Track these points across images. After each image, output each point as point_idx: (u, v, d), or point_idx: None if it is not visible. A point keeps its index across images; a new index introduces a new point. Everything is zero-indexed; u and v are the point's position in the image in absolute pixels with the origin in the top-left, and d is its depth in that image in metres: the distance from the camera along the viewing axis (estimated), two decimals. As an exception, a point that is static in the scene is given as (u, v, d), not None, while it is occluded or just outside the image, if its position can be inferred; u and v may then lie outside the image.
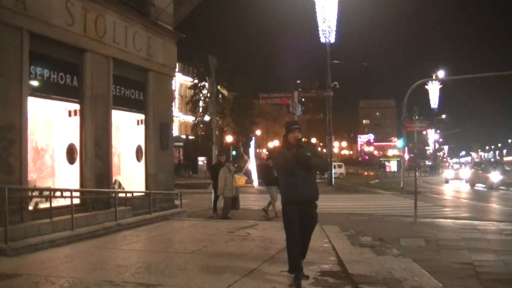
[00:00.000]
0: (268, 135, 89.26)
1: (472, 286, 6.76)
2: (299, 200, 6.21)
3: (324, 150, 35.70)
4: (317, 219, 6.47)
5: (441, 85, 72.84)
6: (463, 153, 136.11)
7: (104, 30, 11.35)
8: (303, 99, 49.20)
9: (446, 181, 43.91)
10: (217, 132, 19.26)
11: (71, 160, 11.02)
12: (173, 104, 18.68)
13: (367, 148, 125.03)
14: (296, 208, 6.18)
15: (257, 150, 60.73)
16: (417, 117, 20.20)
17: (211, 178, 16.32)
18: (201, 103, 62.93)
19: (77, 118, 10.96)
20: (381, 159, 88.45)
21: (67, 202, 9.83)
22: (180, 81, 69.86)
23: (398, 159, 63.98)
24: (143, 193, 12.98)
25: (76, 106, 10.91)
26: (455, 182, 43.14)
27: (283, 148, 6.50)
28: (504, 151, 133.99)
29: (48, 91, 10.10)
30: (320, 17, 35.33)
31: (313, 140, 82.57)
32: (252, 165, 36.03)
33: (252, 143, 38.71)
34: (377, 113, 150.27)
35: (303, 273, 6.15)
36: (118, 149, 13.12)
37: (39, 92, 9.83)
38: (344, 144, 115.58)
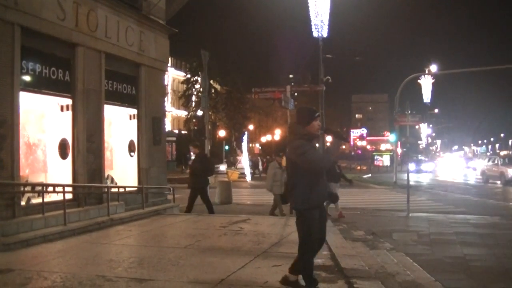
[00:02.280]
0: (260, 130, 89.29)
1: (464, 280, 6.82)
2: (322, 202, 5.42)
3: (317, 145, 35.59)
4: None
5: (433, 80, 72.99)
6: (456, 147, 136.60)
7: (96, 25, 11.28)
8: (295, 94, 49.09)
9: (505, 182, 29.50)
10: (209, 127, 19.24)
11: (63, 155, 10.96)
12: (165, 98, 18.62)
13: (360, 143, 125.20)
14: (317, 212, 5.35)
15: (250, 145, 60.79)
16: (409, 111, 20.32)
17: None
18: (193, 98, 62.85)
19: (69, 113, 10.89)
20: (373, 153, 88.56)
21: (59, 197, 9.78)
22: (173, 75, 69.77)
23: (391, 153, 64.07)
24: (135, 188, 12.95)
25: (68, 101, 10.85)
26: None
27: (302, 141, 5.27)
28: (497, 145, 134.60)
29: (40, 85, 10.03)
30: (312, 11, 35.14)
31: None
32: (244, 159, 36.05)
33: (245, 137, 38.76)
34: (370, 108, 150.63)
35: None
36: (111, 144, 13.07)
37: (31, 87, 9.76)
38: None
